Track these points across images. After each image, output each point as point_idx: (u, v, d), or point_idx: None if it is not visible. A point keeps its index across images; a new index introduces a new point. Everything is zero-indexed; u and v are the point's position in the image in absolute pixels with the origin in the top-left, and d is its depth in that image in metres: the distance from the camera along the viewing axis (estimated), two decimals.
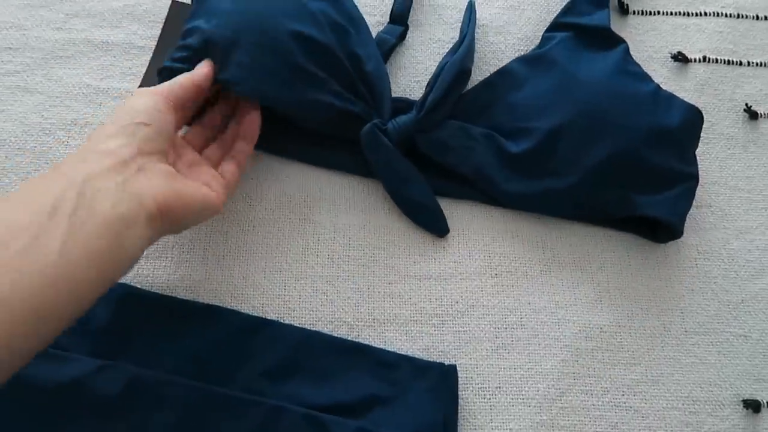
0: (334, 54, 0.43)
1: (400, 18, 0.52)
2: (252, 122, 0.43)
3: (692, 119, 0.46)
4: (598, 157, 0.43)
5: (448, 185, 0.47)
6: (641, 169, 0.44)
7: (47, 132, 0.47)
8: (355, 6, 0.47)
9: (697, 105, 0.51)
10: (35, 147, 0.47)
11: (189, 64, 0.41)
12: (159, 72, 0.43)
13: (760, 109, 0.52)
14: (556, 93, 0.45)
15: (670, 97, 0.46)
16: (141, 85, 0.49)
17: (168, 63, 0.42)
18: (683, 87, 0.52)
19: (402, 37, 0.52)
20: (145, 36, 0.51)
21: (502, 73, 0.49)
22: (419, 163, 0.46)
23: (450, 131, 0.45)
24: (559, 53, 0.47)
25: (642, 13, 0.56)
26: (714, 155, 0.51)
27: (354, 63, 0.44)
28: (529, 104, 0.46)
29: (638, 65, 0.48)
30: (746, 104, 0.52)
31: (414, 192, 0.45)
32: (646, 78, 0.47)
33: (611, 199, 0.44)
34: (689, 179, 0.45)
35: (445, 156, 0.46)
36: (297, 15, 0.42)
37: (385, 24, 0.52)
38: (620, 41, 0.49)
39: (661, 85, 0.52)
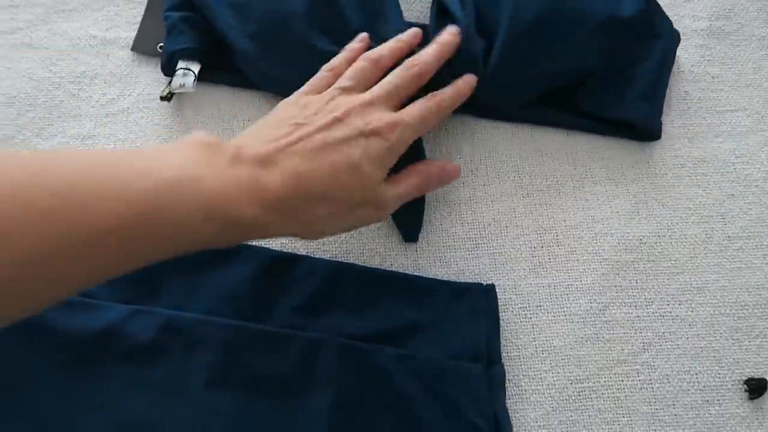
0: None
1: None
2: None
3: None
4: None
5: None
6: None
7: (57, 86, 0.46)
8: None
9: (724, 7, 0.50)
10: (46, 101, 0.46)
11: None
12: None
13: None
14: None
15: None
16: (137, 36, 0.48)
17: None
18: None
19: None
20: None
21: None
22: None
23: None
24: None
25: None
26: (746, 57, 0.48)
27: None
28: None
29: None
30: None
31: None
32: None
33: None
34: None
35: None
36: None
37: None
38: None
39: None
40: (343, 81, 0.37)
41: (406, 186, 0.37)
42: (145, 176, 0.28)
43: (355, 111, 0.34)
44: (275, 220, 0.32)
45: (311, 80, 0.38)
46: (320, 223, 0.34)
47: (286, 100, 0.37)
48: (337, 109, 0.35)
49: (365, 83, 0.37)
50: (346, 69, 0.37)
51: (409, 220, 0.42)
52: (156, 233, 0.28)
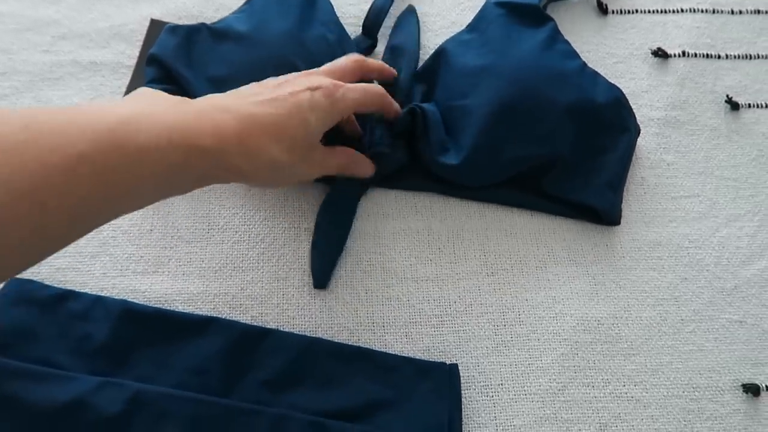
0: None
1: (369, 31, 0.52)
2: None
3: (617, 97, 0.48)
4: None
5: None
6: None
7: None
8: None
9: (679, 98, 0.53)
10: None
11: None
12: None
13: (740, 100, 0.53)
14: (487, 72, 0.46)
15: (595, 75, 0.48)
16: None
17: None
18: (665, 81, 0.54)
19: (368, 51, 0.52)
20: (133, 55, 0.51)
21: (438, 54, 0.49)
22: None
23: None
24: (491, 31, 0.49)
25: (621, 12, 0.57)
26: (699, 146, 0.52)
27: None
28: (462, 83, 0.46)
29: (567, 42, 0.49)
30: (727, 95, 0.53)
31: (332, 239, 0.45)
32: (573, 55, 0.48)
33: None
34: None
35: None
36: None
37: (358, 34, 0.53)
38: (549, 19, 0.49)
39: (643, 81, 0.54)
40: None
41: (334, 158, 0.42)
42: (107, 112, 0.31)
43: (301, 76, 0.39)
44: (233, 154, 0.34)
45: None
46: (271, 167, 0.36)
47: None
48: (285, 79, 0.39)
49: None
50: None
51: (321, 267, 0.44)
52: (127, 160, 0.30)
